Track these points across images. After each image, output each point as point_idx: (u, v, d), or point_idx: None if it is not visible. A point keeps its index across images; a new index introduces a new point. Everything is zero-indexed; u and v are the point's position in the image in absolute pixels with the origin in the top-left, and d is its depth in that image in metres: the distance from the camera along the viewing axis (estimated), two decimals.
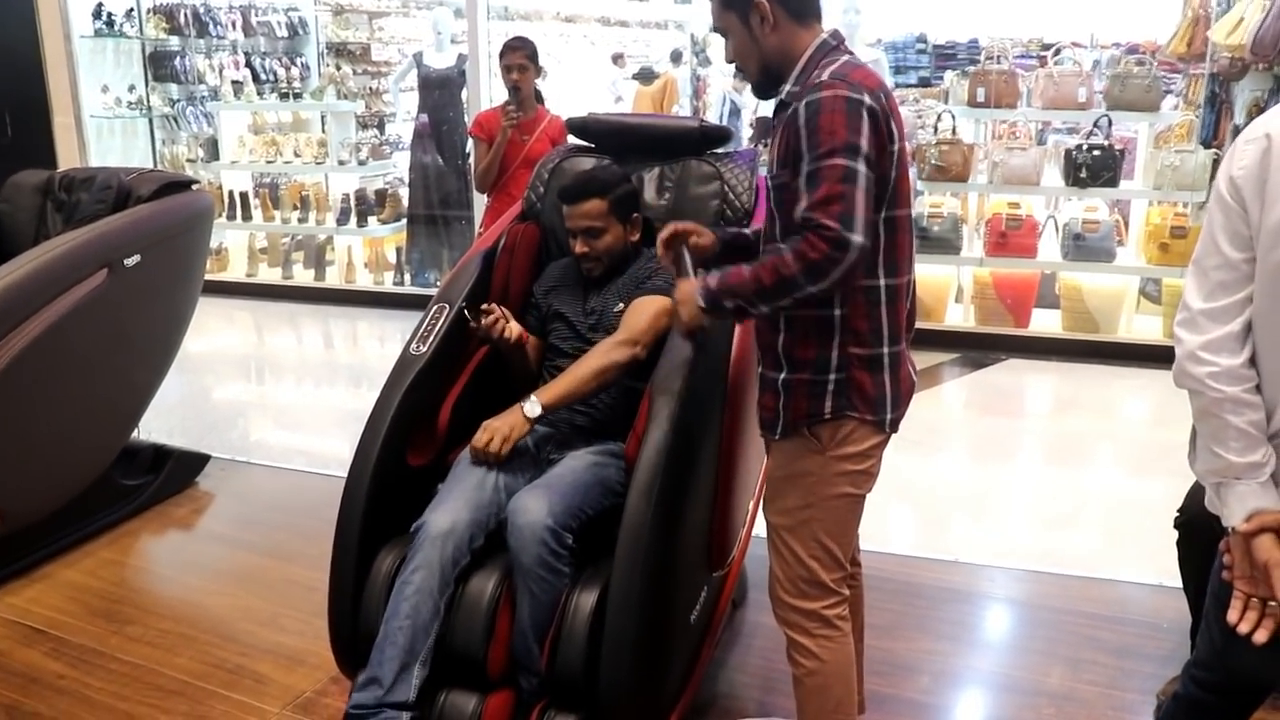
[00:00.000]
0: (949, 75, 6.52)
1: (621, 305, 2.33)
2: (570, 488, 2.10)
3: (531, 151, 4.04)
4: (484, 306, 2.29)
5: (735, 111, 8.02)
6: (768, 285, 1.69)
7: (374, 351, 5.91)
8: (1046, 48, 7.19)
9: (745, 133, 7.53)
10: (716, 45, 8.85)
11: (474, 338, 2.35)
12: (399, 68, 7.57)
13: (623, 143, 2.68)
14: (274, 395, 5.26)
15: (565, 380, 2.17)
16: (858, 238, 1.64)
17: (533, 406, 2.15)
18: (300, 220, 7.04)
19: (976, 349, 5.53)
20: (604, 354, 2.21)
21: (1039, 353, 5.49)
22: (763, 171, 2.15)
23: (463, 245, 6.37)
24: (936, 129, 5.77)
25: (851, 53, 1.83)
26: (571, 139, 2.78)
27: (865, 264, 1.73)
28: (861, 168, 1.66)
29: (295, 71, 7.66)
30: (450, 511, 2.10)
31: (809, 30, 1.84)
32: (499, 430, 2.13)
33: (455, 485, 2.14)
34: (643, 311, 2.26)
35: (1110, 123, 5.64)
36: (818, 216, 1.64)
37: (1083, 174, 5.46)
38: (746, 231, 2.11)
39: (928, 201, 5.64)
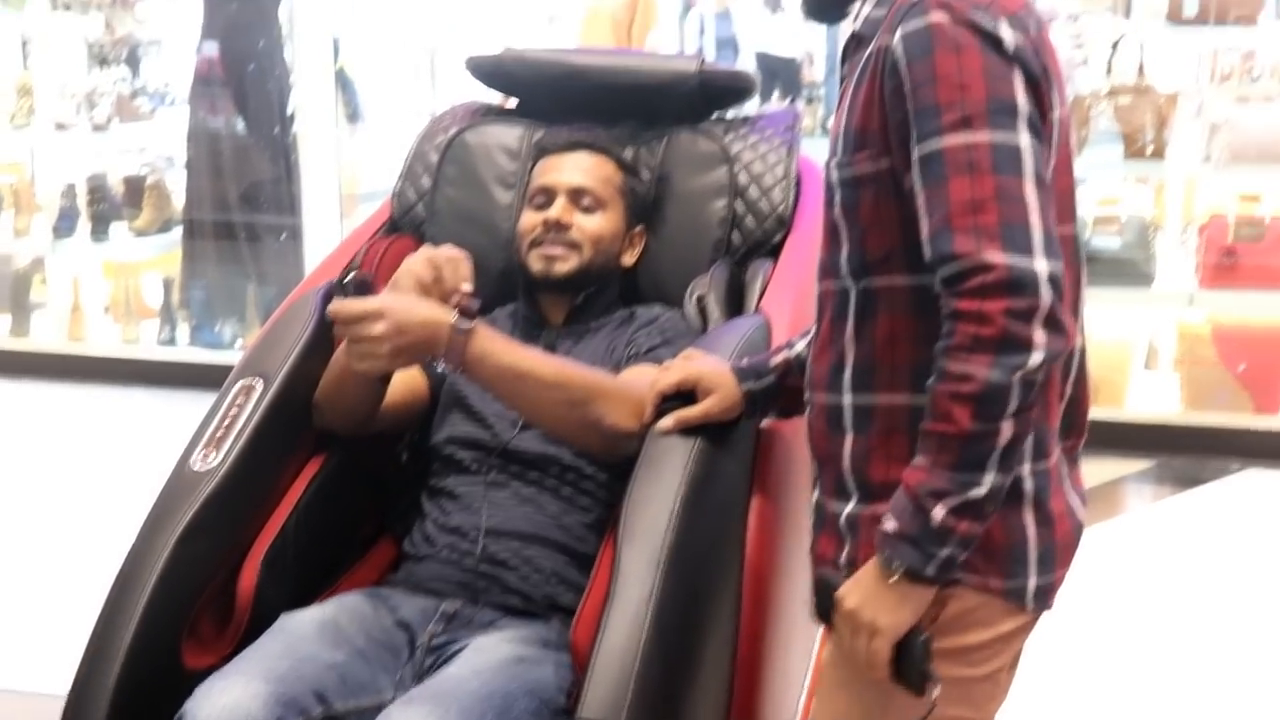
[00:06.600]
0: None
1: None
2: (477, 701, 1.71)
3: None
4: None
5: (726, 44, 6.54)
6: (963, 431, 1.34)
7: (121, 465, 4.72)
8: None
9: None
10: None
11: (301, 442, 2.03)
12: None
13: (564, 98, 2.31)
14: None
15: (539, 355, 1.88)
16: (1041, 263, 1.32)
17: (469, 322, 1.82)
18: None
19: (1185, 452, 4.65)
20: (603, 389, 1.86)
21: None
22: (807, 149, 2.23)
23: (282, 277, 5.48)
24: (1110, 66, 4.92)
25: None
26: (478, 92, 2.44)
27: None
28: (1024, 140, 1.34)
29: None
30: (233, 686, 1.71)
31: None
32: (396, 313, 1.76)
33: (249, 652, 1.79)
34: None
35: None
36: (962, 249, 1.32)
37: None
38: (776, 361, 1.79)
39: (1095, 196, 4.70)
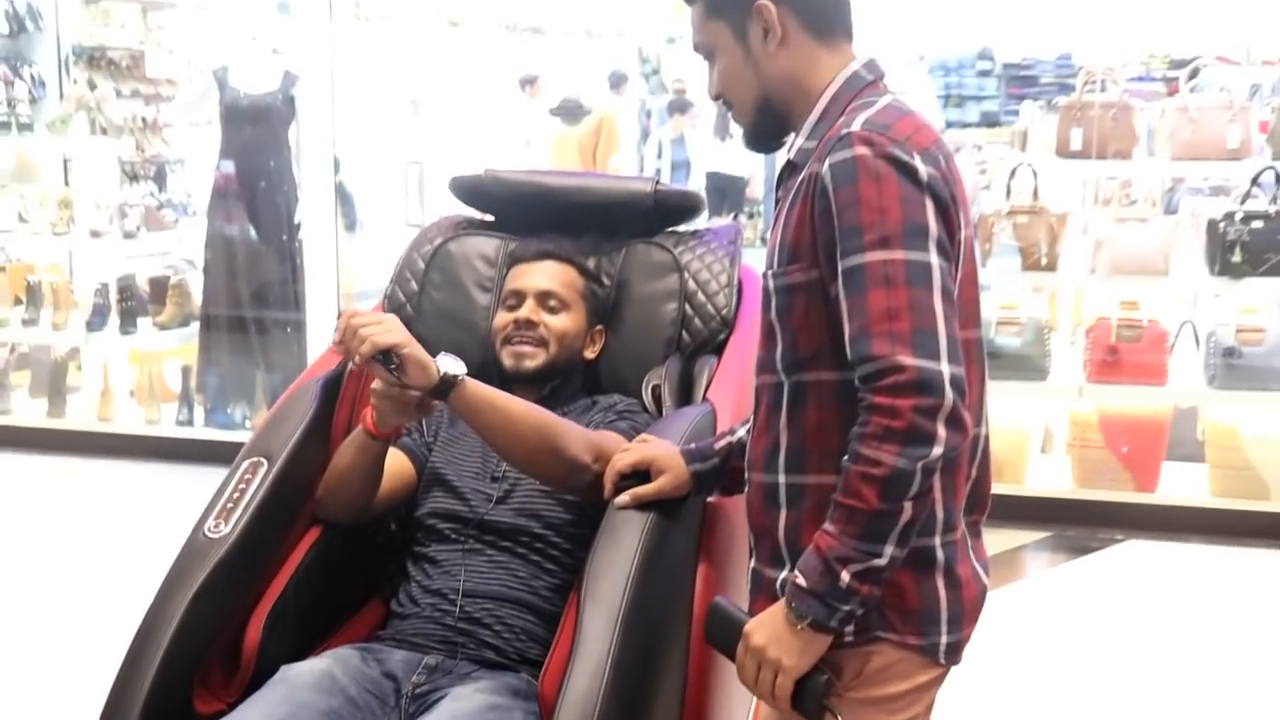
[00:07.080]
0: (1027, 108, 5.91)
1: None
2: None
3: None
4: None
5: (681, 165, 6.87)
6: (870, 508, 1.37)
7: (142, 532, 4.80)
8: (1178, 66, 6.47)
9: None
10: (676, 66, 8.19)
11: (301, 514, 2.02)
12: (190, 89, 6.66)
13: (535, 214, 2.32)
14: None
15: (507, 396, 1.90)
16: (945, 366, 1.35)
17: (454, 363, 1.83)
18: (26, 322, 6.01)
19: (1077, 524, 4.82)
20: (565, 425, 1.90)
21: (1174, 530, 4.72)
22: (748, 259, 2.24)
23: (287, 366, 5.67)
24: (1009, 191, 5.05)
25: (893, 92, 1.54)
26: (459, 208, 2.43)
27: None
28: (934, 258, 1.38)
29: (21, 89, 6.56)
30: None
31: (834, 53, 1.53)
32: (382, 319, 1.82)
33: (253, 699, 1.78)
34: (611, 442, 1.91)
35: (1279, 178, 4.92)
36: (878, 352, 1.36)
37: (1236, 256, 4.80)
38: (720, 445, 1.80)
39: (997, 302, 4.89)
